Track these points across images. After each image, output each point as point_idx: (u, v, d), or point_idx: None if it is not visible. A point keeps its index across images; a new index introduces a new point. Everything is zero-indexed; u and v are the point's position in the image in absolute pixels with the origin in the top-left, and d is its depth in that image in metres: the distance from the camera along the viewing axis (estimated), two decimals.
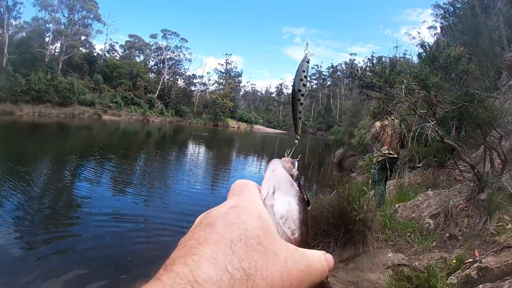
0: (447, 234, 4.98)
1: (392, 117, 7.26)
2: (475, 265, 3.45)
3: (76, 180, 10.80)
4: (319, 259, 0.42)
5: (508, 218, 4.00)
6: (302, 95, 0.63)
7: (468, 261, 3.79)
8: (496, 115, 4.58)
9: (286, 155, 0.61)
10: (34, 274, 4.70)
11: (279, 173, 0.53)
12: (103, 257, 5.60)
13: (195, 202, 9.65)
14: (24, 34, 46.05)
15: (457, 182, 6.62)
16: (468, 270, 3.46)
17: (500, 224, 4.00)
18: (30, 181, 9.72)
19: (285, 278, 0.35)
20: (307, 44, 0.69)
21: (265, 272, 0.34)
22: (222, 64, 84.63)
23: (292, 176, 0.53)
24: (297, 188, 0.52)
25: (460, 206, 5.09)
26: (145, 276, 0.33)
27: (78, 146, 18.90)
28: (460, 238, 4.65)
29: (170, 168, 16.39)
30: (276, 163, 0.54)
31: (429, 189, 7.02)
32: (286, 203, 0.49)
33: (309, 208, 0.53)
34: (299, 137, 0.65)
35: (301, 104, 0.64)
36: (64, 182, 10.31)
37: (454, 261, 4.07)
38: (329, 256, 0.45)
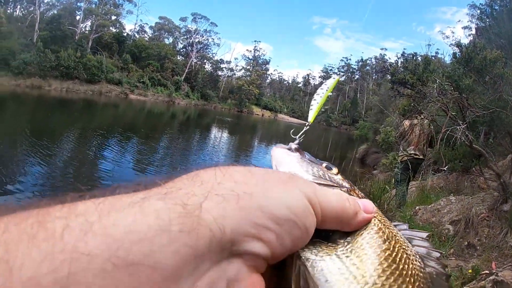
0: (466, 243, 4.86)
1: (422, 117, 7.06)
2: (491, 277, 3.36)
3: (99, 158, 11.11)
4: (339, 194, 0.44)
5: None
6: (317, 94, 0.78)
7: (484, 272, 3.68)
8: None
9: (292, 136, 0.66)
10: None
11: (276, 153, 0.57)
12: None
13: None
14: (55, 12, 47.22)
15: (481, 190, 6.41)
16: (483, 282, 3.38)
17: None
18: (54, 157, 10.07)
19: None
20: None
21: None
22: (250, 51, 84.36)
23: (289, 149, 0.58)
24: (297, 154, 0.56)
25: (481, 215, 4.94)
26: None
27: (103, 124, 19.38)
28: (478, 247, 4.53)
29: (192, 151, 16.63)
30: (273, 149, 0.59)
31: (452, 194, 6.84)
32: (285, 169, 0.53)
33: (334, 171, 0.56)
34: (308, 124, 0.74)
35: (314, 99, 0.76)
36: (87, 160, 10.64)
37: (470, 271, 3.97)
38: (363, 201, 0.46)
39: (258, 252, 0.33)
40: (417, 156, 7.01)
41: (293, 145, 0.59)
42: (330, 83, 0.77)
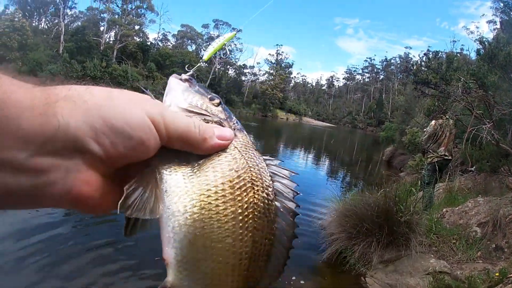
0: (493, 245, 4.69)
1: (447, 116, 6.88)
2: None
3: None
4: (189, 120, 0.50)
5: None
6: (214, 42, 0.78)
7: (511, 275, 3.55)
8: None
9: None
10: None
11: (169, 81, 0.61)
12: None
13: None
14: (79, 23, 49.06)
15: (510, 190, 6.15)
16: (510, 285, 3.26)
17: None
18: None
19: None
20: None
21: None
22: (273, 55, 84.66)
23: (181, 79, 0.61)
24: (186, 83, 0.60)
25: (510, 217, 4.76)
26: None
27: None
28: (506, 250, 4.37)
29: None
30: (169, 78, 0.62)
31: (479, 196, 6.60)
32: (170, 97, 0.57)
33: (216, 102, 0.60)
34: (202, 60, 0.76)
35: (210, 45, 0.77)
36: None
37: (497, 274, 3.84)
38: (222, 129, 0.54)
39: (94, 152, 0.41)
40: (447, 157, 6.84)
41: (184, 76, 0.63)
42: (228, 35, 0.80)
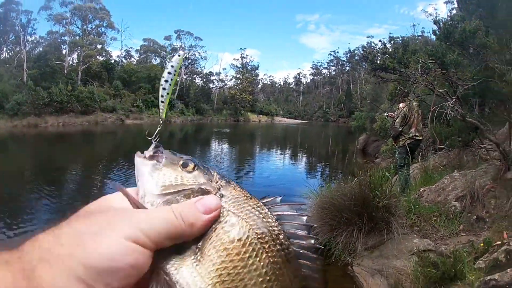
0: (474, 217, 4.79)
1: (410, 99, 7.03)
2: (503, 248, 3.29)
3: (104, 189, 11.07)
4: (166, 216, 0.47)
5: None
6: (164, 89, 0.69)
7: (496, 244, 3.62)
8: None
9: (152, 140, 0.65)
10: None
11: (135, 164, 0.58)
12: None
13: None
14: (41, 49, 47.56)
15: (484, 161, 6.33)
16: (496, 254, 3.31)
17: None
18: (61, 192, 10.04)
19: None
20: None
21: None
22: (238, 59, 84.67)
23: (145, 157, 0.58)
24: (151, 162, 0.57)
25: (486, 187, 4.88)
26: None
27: (104, 154, 19.33)
28: (487, 220, 4.46)
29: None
30: (135, 159, 0.59)
31: (455, 171, 6.77)
32: (141, 184, 0.55)
33: (190, 167, 0.56)
34: (162, 121, 0.71)
35: (164, 89, 0.69)
36: (93, 192, 10.58)
37: (482, 244, 3.90)
38: (204, 201, 0.50)
39: None
40: (418, 137, 6.99)
41: (147, 152, 0.60)
42: (175, 62, 0.71)
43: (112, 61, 57.54)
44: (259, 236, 0.50)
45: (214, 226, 0.49)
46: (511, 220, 3.90)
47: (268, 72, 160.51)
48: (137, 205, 0.52)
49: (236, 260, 0.47)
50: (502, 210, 4.20)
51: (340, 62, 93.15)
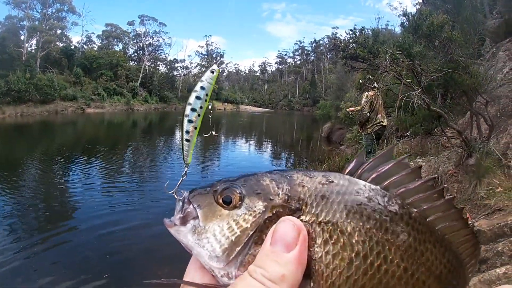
0: None
1: (378, 86, 7.33)
2: None
3: (66, 182, 10.62)
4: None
5: (497, 182, 4.11)
6: (190, 121, 0.57)
7: None
8: (481, 81, 4.62)
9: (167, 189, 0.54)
10: (27, 276, 4.70)
11: (175, 236, 0.49)
12: (97, 256, 5.57)
13: (187, 189, 9.60)
14: None
15: (445, 149, 6.74)
16: None
17: (490, 188, 4.11)
18: (20, 186, 9.55)
19: None
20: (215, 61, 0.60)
21: None
22: (203, 46, 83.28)
23: (176, 224, 0.49)
24: (185, 227, 0.48)
25: (449, 172, 5.20)
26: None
27: (64, 145, 18.51)
28: None
29: (159, 159, 16.27)
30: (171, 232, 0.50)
31: (418, 157, 7.14)
32: (199, 257, 0.46)
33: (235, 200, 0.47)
34: (187, 168, 0.59)
35: (190, 121, 0.57)
36: (53, 186, 10.11)
37: None
38: (279, 237, 0.42)
39: None
40: (383, 124, 7.32)
41: (176, 218, 0.49)
42: (207, 82, 0.57)
43: (73, 47, 54.82)
44: (375, 232, 0.43)
45: (312, 250, 0.42)
46: (474, 203, 4.20)
47: (234, 60, 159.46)
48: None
49: (363, 277, 0.42)
50: (465, 194, 4.51)
51: (306, 52, 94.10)
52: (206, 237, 0.45)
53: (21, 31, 47.40)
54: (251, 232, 0.44)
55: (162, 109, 57.61)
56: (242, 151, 19.53)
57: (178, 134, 28.23)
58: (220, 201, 0.46)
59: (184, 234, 0.47)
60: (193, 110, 0.56)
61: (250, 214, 0.45)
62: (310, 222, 0.44)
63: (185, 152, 0.57)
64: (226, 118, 52.37)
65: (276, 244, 0.41)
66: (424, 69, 5.81)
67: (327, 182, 0.45)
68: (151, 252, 5.61)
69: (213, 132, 0.66)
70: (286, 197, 0.45)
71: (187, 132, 0.56)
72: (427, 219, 0.46)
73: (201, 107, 0.56)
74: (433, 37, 5.18)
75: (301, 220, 0.43)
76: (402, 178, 0.46)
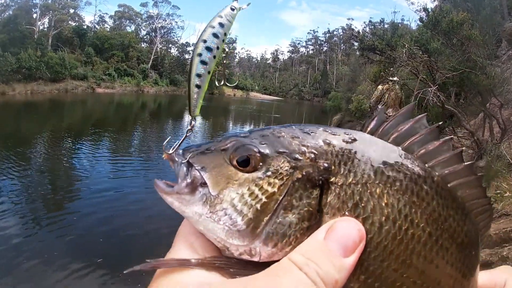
0: None
1: (394, 79, 7.27)
2: None
3: (74, 160, 10.78)
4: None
5: (506, 186, 4.06)
6: (203, 62, 0.47)
7: None
8: (497, 83, 4.54)
9: (165, 149, 0.46)
10: (35, 256, 4.78)
11: (170, 204, 0.41)
12: (102, 237, 5.64)
13: None
14: (10, 12, 44.34)
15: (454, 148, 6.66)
16: None
17: (498, 192, 4.06)
18: (28, 165, 9.69)
19: None
20: None
21: None
22: None
23: (179, 192, 0.41)
24: (193, 196, 0.40)
25: None
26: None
27: (73, 123, 18.74)
28: None
29: (166, 140, 16.33)
30: (163, 197, 0.42)
31: None
32: (208, 235, 0.40)
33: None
34: (194, 121, 0.51)
35: (199, 76, 0.47)
36: (62, 163, 10.28)
37: None
38: (339, 238, 0.38)
39: None
40: None
41: (183, 183, 0.41)
42: (226, 18, 0.47)
43: (85, 27, 54.80)
44: (402, 194, 0.41)
45: (343, 215, 0.40)
46: None
47: (246, 46, 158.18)
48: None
49: (392, 242, 0.40)
50: None
51: (319, 42, 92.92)
52: (222, 208, 0.38)
53: (33, 9, 47.46)
54: (280, 198, 0.38)
55: (172, 92, 57.56)
56: None
57: (184, 118, 28.33)
58: (235, 162, 0.40)
59: (190, 206, 0.40)
60: (208, 49, 0.46)
61: (276, 177, 0.39)
62: (339, 184, 0.40)
63: (193, 101, 0.48)
64: (235, 104, 52.26)
65: (333, 242, 0.37)
66: (439, 66, 5.72)
67: (350, 140, 0.42)
68: (157, 232, 5.69)
69: (227, 83, 0.57)
70: (313, 156, 0.40)
71: (198, 75, 0.46)
72: (449, 185, 0.44)
73: (217, 48, 0.47)
74: (451, 34, 5.08)
75: (331, 182, 0.40)
76: (421, 138, 0.44)
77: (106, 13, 64.31)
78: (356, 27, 78.97)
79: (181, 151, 0.44)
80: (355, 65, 24.93)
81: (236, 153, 0.40)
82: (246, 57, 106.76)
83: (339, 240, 0.37)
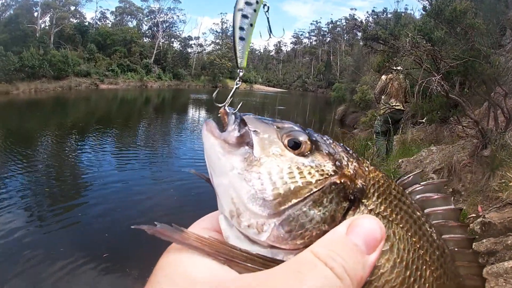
0: (451, 189, 5.08)
1: (398, 68, 7.25)
2: (478, 220, 3.56)
3: (79, 157, 10.83)
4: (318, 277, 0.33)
5: (511, 176, 4.06)
6: (245, 16, 0.48)
7: (471, 216, 3.90)
8: (502, 72, 4.51)
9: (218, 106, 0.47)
10: (41, 251, 4.84)
11: (208, 150, 0.41)
12: (109, 232, 5.69)
13: (197, 166, 9.72)
14: (11, 12, 44.45)
15: (460, 138, 6.65)
16: (471, 225, 3.58)
17: (503, 181, 4.07)
18: (33, 162, 9.77)
19: None
20: None
21: None
22: (218, 24, 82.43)
23: (226, 141, 0.41)
24: (241, 150, 0.40)
25: (463, 162, 5.16)
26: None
27: (78, 120, 18.76)
28: (463, 193, 4.75)
29: (171, 136, 16.43)
30: (203, 136, 0.42)
31: (432, 145, 7.07)
32: (227, 193, 0.39)
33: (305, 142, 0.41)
34: (241, 72, 0.50)
35: (242, 29, 0.48)
36: (67, 160, 10.34)
37: None
38: (364, 234, 0.37)
39: None
40: (398, 107, 7.26)
41: (230, 132, 0.41)
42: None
43: (86, 24, 54.85)
44: (418, 247, 0.42)
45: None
46: (485, 194, 4.19)
47: None
48: (225, 253, 0.36)
49: (400, 286, 0.39)
50: (477, 185, 4.48)
51: (322, 33, 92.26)
52: (259, 171, 0.38)
53: (34, 8, 47.54)
54: (314, 189, 0.38)
55: (176, 86, 57.59)
56: None
57: (196, 113, 28.28)
58: (286, 141, 0.40)
59: (229, 155, 0.39)
60: (247, 3, 0.48)
61: (317, 171, 0.39)
62: (369, 208, 0.40)
63: (238, 54, 0.49)
64: (238, 97, 52.18)
65: (357, 238, 0.36)
66: (443, 55, 5.68)
67: (387, 181, 0.43)
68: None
69: (272, 34, 0.56)
70: (354, 173, 0.41)
71: (241, 28, 0.47)
72: (454, 263, 0.47)
73: (257, 2, 0.48)
74: (455, 23, 5.03)
75: (362, 202, 0.40)
76: (442, 214, 0.47)
77: (107, 9, 64.64)
78: (359, 17, 78.40)
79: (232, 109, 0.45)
80: (359, 55, 24.79)
81: (290, 133, 0.41)
82: (249, 49, 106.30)
83: (362, 235, 0.36)
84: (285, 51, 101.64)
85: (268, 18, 0.53)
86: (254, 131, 0.40)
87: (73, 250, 4.85)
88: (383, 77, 7.51)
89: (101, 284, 4.29)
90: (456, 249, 0.47)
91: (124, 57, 49.64)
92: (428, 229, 0.44)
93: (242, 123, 0.42)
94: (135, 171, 9.17)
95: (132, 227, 0.38)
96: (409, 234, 0.42)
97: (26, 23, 41.55)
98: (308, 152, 0.40)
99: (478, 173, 4.68)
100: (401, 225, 0.42)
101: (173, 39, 69.81)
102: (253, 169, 0.38)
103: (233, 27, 0.48)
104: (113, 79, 46.22)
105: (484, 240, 3.19)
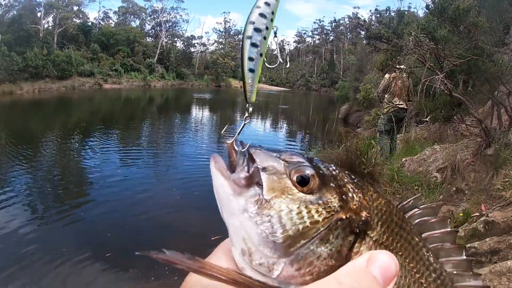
0: (454, 188, 5.08)
1: (402, 67, 7.23)
2: (481, 218, 3.56)
3: (83, 156, 10.89)
4: None
5: None
6: (254, 44, 0.44)
7: (474, 215, 3.90)
8: (505, 70, 4.49)
9: (224, 137, 0.45)
10: (44, 250, 4.88)
11: (219, 193, 0.41)
12: (111, 230, 5.72)
13: (199, 165, 9.72)
14: (15, 12, 44.68)
15: (464, 137, 6.64)
16: (475, 224, 3.58)
17: (507, 179, 4.06)
18: (37, 162, 9.83)
19: None
20: None
21: None
22: (221, 23, 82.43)
23: (237, 182, 0.40)
24: (251, 191, 0.40)
25: (467, 161, 5.15)
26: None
27: (82, 120, 18.82)
28: (466, 192, 4.75)
29: (175, 135, 16.47)
30: (213, 178, 0.41)
31: (436, 144, 7.06)
32: (238, 233, 0.39)
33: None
34: (251, 108, 0.48)
35: (251, 59, 0.45)
36: (71, 160, 10.40)
37: (461, 214, 4.18)
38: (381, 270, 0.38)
39: None
40: (402, 106, 7.25)
41: (240, 173, 0.41)
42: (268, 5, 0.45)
43: (90, 24, 54.91)
44: (415, 272, 0.43)
45: None
46: (489, 193, 4.18)
47: None
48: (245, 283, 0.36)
49: None
50: (481, 184, 4.48)
51: (325, 31, 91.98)
52: (269, 214, 0.38)
53: (37, 8, 47.70)
54: (321, 229, 0.38)
55: (179, 85, 57.66)
56: (257, 131, 19.54)
57: (200, 112, 28.27)
58: (294, 177, 0.40)
59: (239, 197, 0.39)
60: (257, 30, 0.44)
61: (324, 208, 0.39)
62: (374, 239, 0.41)
63: (248, 87, 0.46)
64: (242, 96, 52.21)
65: (376, 271, 0.38)
66: (447, 54, 5.67)
67: (389, 208, 0.44)
68: (168, 228, 5.79)
69: (281, 60, 0.55)
70: (359, 205, 0.41)
71: (251, 59, 0.44)
72: (453, 284, 0.47)
73: (266, 28, 0.45)
74: (458, 22, 5.02)
75: (368, 234, 0.41)
76: (439, 237, 0.48)
77: (110, 9, 64.69)
78: (362, 16, 78.14)
79: (242, 143, 0.43)
80: (362, 54, 24.73)
81: (298, 169, 0.40)
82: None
83: (380, 270, 0.37)
84: (288, 50, 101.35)
85: (277, 43, 0.51)
86: (263, 168, 0.40)
87: (76, 249, 4.88)
88: (387, 75, 7.49)
89: (104, 283, 4.32)
90: (454, 271, 0.47)
91: (128, 57, 49.78)
92: (425, 253, 0.45)
93: (251, 159, 0.41)
94: (138, 170, 9.21)
95: (137, 253, 0.37)
96: (407, 260, 0.43)
97: (29, 24, 41.69)
98: (316, 190, 0.40)
99: (481, 172, 4.67)
100: (400, 253, 0.43)
101: (176, 39, 69.95)
102: (264, 212, 0.38)
103: (241, 58, 0.45)
104: (116, 78, 46.33)
105: (488, 239, 3.19)
